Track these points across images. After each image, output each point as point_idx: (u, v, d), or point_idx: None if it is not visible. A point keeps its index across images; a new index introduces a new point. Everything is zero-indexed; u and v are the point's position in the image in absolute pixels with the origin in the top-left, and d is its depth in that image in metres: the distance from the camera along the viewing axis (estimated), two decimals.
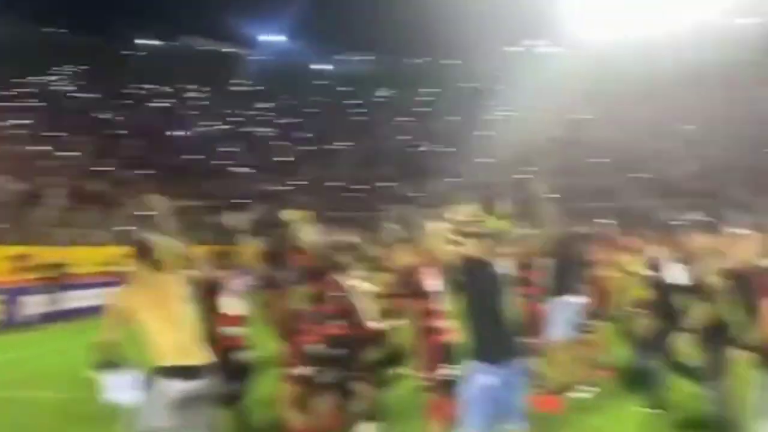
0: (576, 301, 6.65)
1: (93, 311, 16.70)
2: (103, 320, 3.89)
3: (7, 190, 21.10)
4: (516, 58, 40.77)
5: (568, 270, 6.64)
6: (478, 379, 3.94)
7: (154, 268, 3.95)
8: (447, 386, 4.78)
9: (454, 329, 4.91)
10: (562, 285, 6.56)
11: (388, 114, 43.85)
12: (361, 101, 46.67)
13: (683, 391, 6.24)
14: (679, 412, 5.90)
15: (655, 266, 6.31)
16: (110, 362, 3.89)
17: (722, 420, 4.65)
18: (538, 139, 30.67)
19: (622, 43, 36.24)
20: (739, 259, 4.47)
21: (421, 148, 38.85)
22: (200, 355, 3.86)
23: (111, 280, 18.70)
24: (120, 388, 3.87)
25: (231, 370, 4.80)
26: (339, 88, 48.49)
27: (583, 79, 33.94)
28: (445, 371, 4.77)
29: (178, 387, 3.71)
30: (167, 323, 3.80)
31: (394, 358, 5.57)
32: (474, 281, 4.13)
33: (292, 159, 39.23)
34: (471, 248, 4.23)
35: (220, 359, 4.80)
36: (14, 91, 34.44)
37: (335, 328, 5.20)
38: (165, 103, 42.92)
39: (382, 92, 47.43)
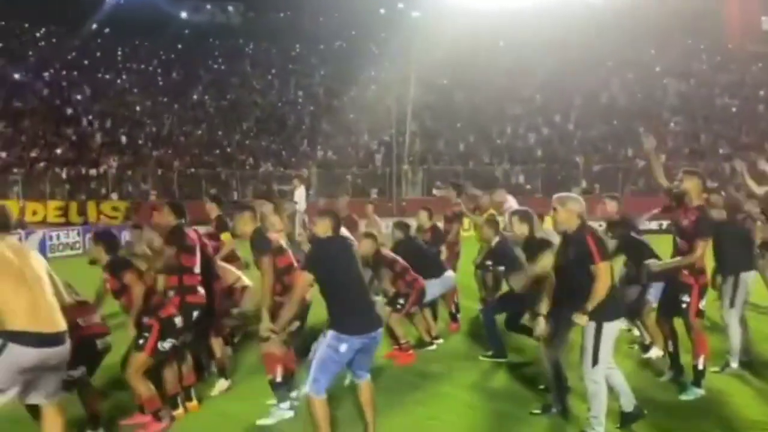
0: None
1: None
2: None
3: None
4: (385, 20, 40.85)
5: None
6: (339, 347, 4.05)
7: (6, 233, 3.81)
8: (291, 340, 4.98)
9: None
10: None
11: (250, 67, 42.45)
12: (223, 52, 44.70)
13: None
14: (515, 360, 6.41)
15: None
16: None
17: (553, 374, 5.05)
18: (400, 102, 31.14)
19: (487, 10, 37.45)
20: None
21: (283, 104, 38.12)
22: (57, 322, 3.67)
23: None
24: None
25: (84, 356, 4.54)
26: (200, 38, 46.05)
27: (444, 45, 34.79)
28: (293, 326, 4.88)
29: (32, 354, 3.51)
30: (22, 287, 3.57)
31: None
32: (333, 256, 4.24)
33: (148, 108, 36.93)
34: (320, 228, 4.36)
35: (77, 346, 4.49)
36: None
37: (195, 296, 5.03)
38: (7, 43, 38.29)
39: (245, 44, 45.70)
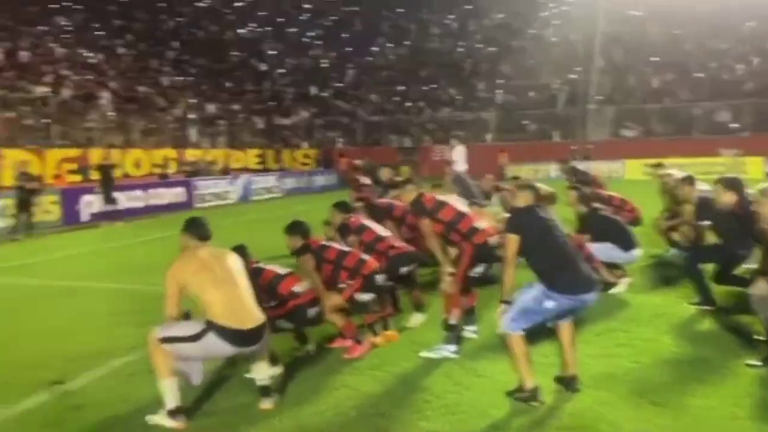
0: None
1: (143, 211, 17.34)
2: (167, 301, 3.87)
3: (60, 93, 21.31)
4: None
5: None
6: (546, 302, 4.02)
7: (201, 241, 4.02)
8: (472, 282, 5.18)
9: (492, 229, 5.18)
10: None
11: (429, 13, 42.22)
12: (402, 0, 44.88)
13: None
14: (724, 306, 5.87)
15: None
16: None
17: None
18: (590, 38, 29.21)
19: None
20: None
21: (463, 49, 37.51)
22: (254, 317, 3.90)
23: (160, 181, 19.32)
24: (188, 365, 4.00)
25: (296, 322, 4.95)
26: None
27: None
28: (478, 269, 5.13)
29: (230, 349, 3.82)
30: (218, 281, 3.82)
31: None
32: (535, 221, 4.21)
33: (333, 61, 38.55)
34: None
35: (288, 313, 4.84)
36: None
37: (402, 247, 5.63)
38: (207, 4, 41.80)
39: None
